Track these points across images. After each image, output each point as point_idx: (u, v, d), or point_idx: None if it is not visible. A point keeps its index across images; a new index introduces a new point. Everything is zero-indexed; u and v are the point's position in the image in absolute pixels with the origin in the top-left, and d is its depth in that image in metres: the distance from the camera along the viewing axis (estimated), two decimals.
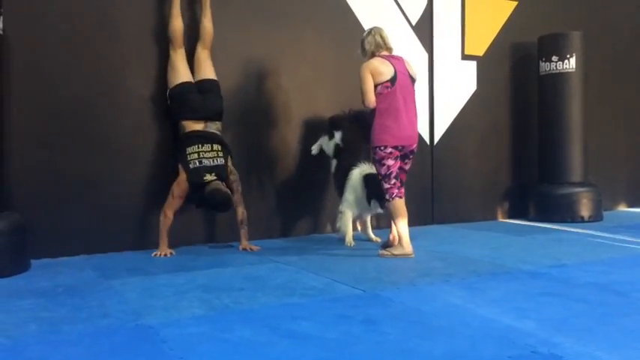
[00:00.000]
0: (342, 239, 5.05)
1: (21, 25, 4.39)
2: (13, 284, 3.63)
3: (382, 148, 4.35)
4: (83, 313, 2.92)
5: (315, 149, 5.44)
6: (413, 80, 4.50)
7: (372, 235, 5.25)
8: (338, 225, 5.12)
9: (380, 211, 4.89)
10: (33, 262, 4.20)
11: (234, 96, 5.24)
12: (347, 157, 5.13)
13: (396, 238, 4.50)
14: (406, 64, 4.47)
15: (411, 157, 4.53)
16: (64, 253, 4.52)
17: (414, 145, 4.49)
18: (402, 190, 4.46)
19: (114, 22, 4.77)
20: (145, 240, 4.72)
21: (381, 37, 4.45)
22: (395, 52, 4.63)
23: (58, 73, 4.58)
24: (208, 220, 5.16)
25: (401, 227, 4.37)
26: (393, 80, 4.32)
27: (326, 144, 5.38)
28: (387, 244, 4.67)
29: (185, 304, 3.08)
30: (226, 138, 5.01)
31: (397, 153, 4.38)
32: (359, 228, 5.36)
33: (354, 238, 5.06)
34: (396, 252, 4.38)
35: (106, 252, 4.67)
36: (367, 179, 4.80)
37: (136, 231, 4.83)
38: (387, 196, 4.40)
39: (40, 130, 4.52)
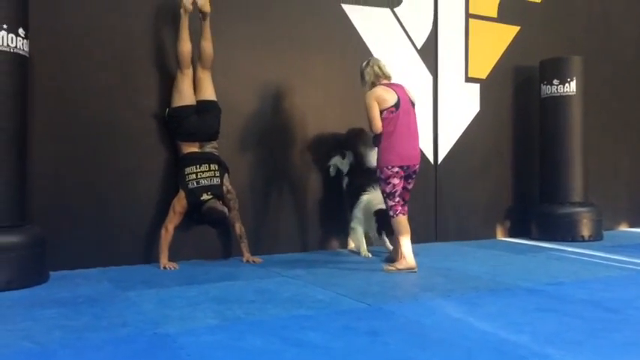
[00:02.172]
0: (357, 252, 5.46)
1: (44, 48, 4.63)
2: (35, 294, 3.82)
3: (389, 167, 4.54)
4: (104, 322, 3.09)
5: (332, 171, 5.75)
6: (413, 104, 4.72)
7: (389, 245, 5.39)
8: (351, 239, 5.59)
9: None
10: (51, 273, 4.38)
11: (245, 116, 5.47)
12: (359, 175, 5.50)
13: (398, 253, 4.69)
14: (406, 91, 4.69)
15: (414, 176, 4.71)
16: (81, 266, 4.71)
17: (417, 165, 4.68)
18: (406, 208, 4.65)
19: (133, 47, 5.02)
20: (157, 254, 4.89)
21: (379, 67, 4.70)
22: (400, 75, 4.87)
23: (78, 95, 4.80)
24: (218, 235, 5.34)
25: (404, 243, 4.54)
26: (397, 105, 4.53)
27: (340, 163, 5.70)
28: (391, 260, 4.86)
29: (199, 314, 3.25)
30: (240, 157, 5.21)
31: (402, 173, 4.57)
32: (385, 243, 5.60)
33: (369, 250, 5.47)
34: (400, 267, 4.54)
35: (119, 265, 4.86)
36: (378, 214, 5.14)
37: (149, 245, 5.01)
38: (392, 213, 4.58)
39: (59, 147, 4.73)
